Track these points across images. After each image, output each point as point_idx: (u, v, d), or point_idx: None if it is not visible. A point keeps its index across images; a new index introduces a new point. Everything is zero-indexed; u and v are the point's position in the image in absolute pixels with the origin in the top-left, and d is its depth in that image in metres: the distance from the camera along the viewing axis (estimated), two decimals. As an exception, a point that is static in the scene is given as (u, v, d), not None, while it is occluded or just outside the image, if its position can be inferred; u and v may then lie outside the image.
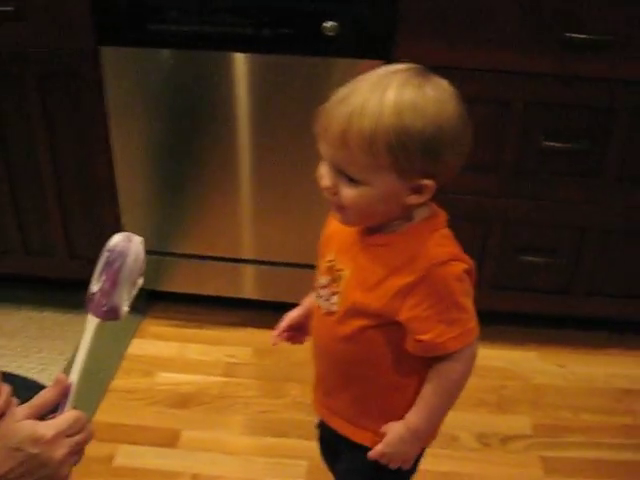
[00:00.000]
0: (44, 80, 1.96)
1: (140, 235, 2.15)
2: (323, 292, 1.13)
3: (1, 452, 0.84)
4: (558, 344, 2.26)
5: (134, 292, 0.90)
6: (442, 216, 1.10)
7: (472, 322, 1.07)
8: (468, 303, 1.06)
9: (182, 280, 2.29)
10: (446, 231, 1.08)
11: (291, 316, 1.28)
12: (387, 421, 1.15)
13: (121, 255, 0.90)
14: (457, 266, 1.03)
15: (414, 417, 1.12)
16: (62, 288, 2.35)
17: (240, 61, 1.87)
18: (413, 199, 1.00)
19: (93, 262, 2.30)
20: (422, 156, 0.95)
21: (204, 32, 1.86)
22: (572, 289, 2.15)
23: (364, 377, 1.14)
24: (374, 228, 1.07)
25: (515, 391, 2.09)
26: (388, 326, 1.06)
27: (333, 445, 1.30)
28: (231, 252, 2.21)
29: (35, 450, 0.83)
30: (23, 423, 0.85)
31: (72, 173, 2.10)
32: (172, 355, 2.14)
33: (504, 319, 2.28)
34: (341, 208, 1.02)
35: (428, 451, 1.86)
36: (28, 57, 1.93)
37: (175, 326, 2.27)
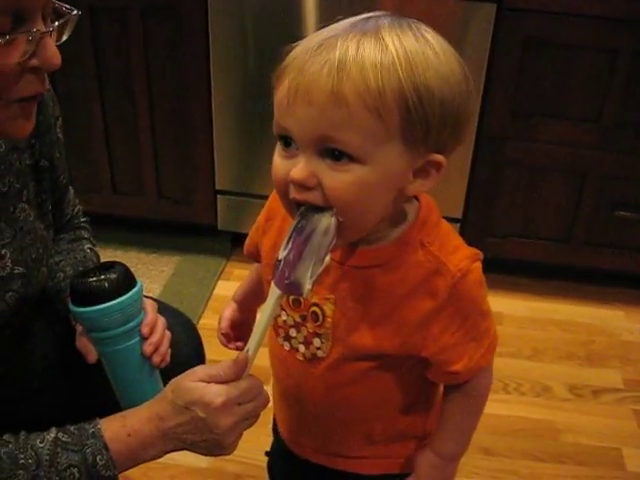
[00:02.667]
0: (147, 14, 1.96)
1: (229, 176, 2.19)
2: (295, 333, 0.90)
3: (170, 407, 0.86)
4: (645, 304, 2.25)
5: (320, 270, 0.77)
6: (434, 204, 0.87)
7: (494, 325, 0.89)
8: (488, 304, 0.88)
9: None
10: (446, 224, 0.86)
11: (229, 318, 1.12)
12: (397, 443, 0.99)
13: (311, 224, 0.75)
14: (477, 269, 0.83)
15: (446, 442, 0.95)
16: (148, 228, 2.38)
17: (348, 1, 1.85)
18: (416, 186, 0.77)
19: (181, 203, 2.33)
20: (440, 114, 0.71)
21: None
22: (666, 247, 2.13)
23: (364, 417, 0.95)
24: (352, 242, 0.82)
25: (603, 346, 2.08)
26: (401, 362, 0.88)
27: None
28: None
29: (202, 414, 0.83)
30: (197, 384, 0.84)
31: (168, 112, 2.10)
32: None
33: (592, 276, 2.27)
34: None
35: (521, 399, 1.89)
36: (133, -9, 1.93)
37: (260, 269, 2.27)
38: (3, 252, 0.97)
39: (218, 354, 1.87)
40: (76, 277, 1.01)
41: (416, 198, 0.85)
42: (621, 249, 2.15)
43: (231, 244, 2.38)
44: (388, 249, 0.83)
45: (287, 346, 0.92)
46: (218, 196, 2.24)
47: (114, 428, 0.87)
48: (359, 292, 0.84)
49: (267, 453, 1.18)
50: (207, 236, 2.37)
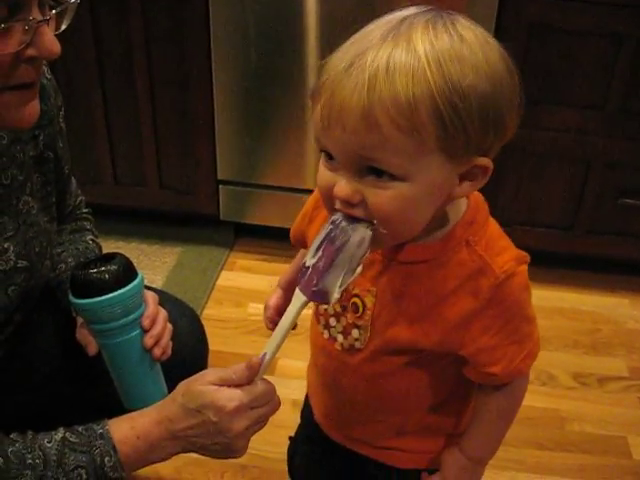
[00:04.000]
0: (148, 4, 1.94)
1: (231, 166, 2.18)
2: (334, 322, 0.90)
3: (181, 410, 0.85)
4: (650, 292, 2.24)
5: (350, 280, 0.76)
6: (483, 203, 0.85)
7: (537, 329, 0.87)
8: (533, 309, 0.86)
9: (270, 213, 2.28)
10: (494, 225, 0.85)
11: (275, 305, 1.10)
12: (429, 438, 0.98)
13: (345, 234, 0.75)
14: (523, 272, 0.82)
15: (476, 445, 0.94)
16: (150, 219, 2.37)
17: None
18: (464, 190, 0.76)
19: (183, 194, 2.32)
20: (479, 121, 0.69)
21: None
22: (671, 235, 2.11)
23: (399, 409, 0.95)
24: None
25: (609, 335, 2.07)
26: (439, 358, 0.88)
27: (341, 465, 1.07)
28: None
29: (215, 418, 0.83)
30: (208, 388, 0.84)
31: (169, 101, 2.09)
32: (262, 287, 2.13)
33: (596, 264, 2.26)
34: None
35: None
36: (132, -21, 1.92)
37: (263, 260, 2.27)
38: (6, 245, 0.96)
39: (222, 345, 1.88)
40: (76, 269, 1.01)
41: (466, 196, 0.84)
42: (626, 237, 2.13)
43: (234, 234, 2.37)
44: (434, 247, 0.82)
45: (326, 334, 0.92)
46: (220, 186, 2.23)
47: (123, 430, 0.87)
48: (401, 287, 0.84)
49: (290, 438, 1.19)
50: (209, 226, 2.36)
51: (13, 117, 0.85)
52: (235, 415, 0.83)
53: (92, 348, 1.04)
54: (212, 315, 2.05)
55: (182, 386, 0.87)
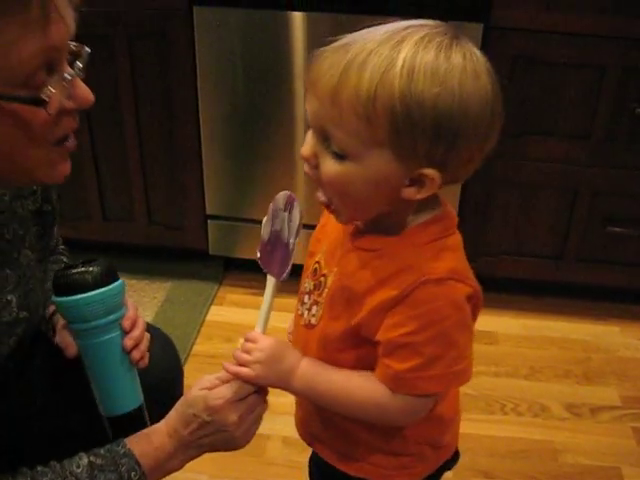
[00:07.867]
0: (134, 41, 1.96)
1: (219, 201, 2.18)
2: (306, 299, 0.96)
3: (182, 418, 0.95)
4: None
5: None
6: (450, 220, 0.88)
7: (461, 363, 0.85)
8: (462, 338, 0.84)
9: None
10: (453, 240, 0.87)
11: None
12: (374, 452, 0.99)
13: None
14: (456, 288, 0.82)
15: (305, 379, 0.92)
16: (139, 254, 2.36)
17: (335, 23, 1.85)
18: (410, 192, 0.79)
19: (172, 229, 2.31)
20: (431, 135, 0.74)
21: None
22: (659, 262, 2.12)
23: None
24: (367, 228, 0.88)
25: (600, 363, 2.07)
26: (367, 348, 0.88)
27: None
28: (307, 219, 2.19)
29: (208, 418, 0.93)
30: (199, 393, 0.94)
31: (156, 137, 2.10)
32: (252, 322, 2.10)
33: (586, 293, 2.26)
34: (328, 202, 0.84)
35: (519, 419, 1.87)
36: (119, 17, 1.93)
37: (253, 294, 2.26)
38: (9, 298, 0.98)
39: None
40: (59, 270, 1.01)
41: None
42: (614, 264, 2.14)
43: (223, 269, 2.36)
44: (388, 240, 0.86)
45: (300, 311, 0.98)
46: (208, 221, 2.23)
47: (142, 445, 0.95)
48: (352, 270, 0.88)
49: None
50: (198, 261, 2.36)
51: (52, 173, 0.87)
52: (223, 410, 0.92)
53: (71, 350, 1.05)
54: (202, 351, 2.03)
55: (182, 397, 0.97)
